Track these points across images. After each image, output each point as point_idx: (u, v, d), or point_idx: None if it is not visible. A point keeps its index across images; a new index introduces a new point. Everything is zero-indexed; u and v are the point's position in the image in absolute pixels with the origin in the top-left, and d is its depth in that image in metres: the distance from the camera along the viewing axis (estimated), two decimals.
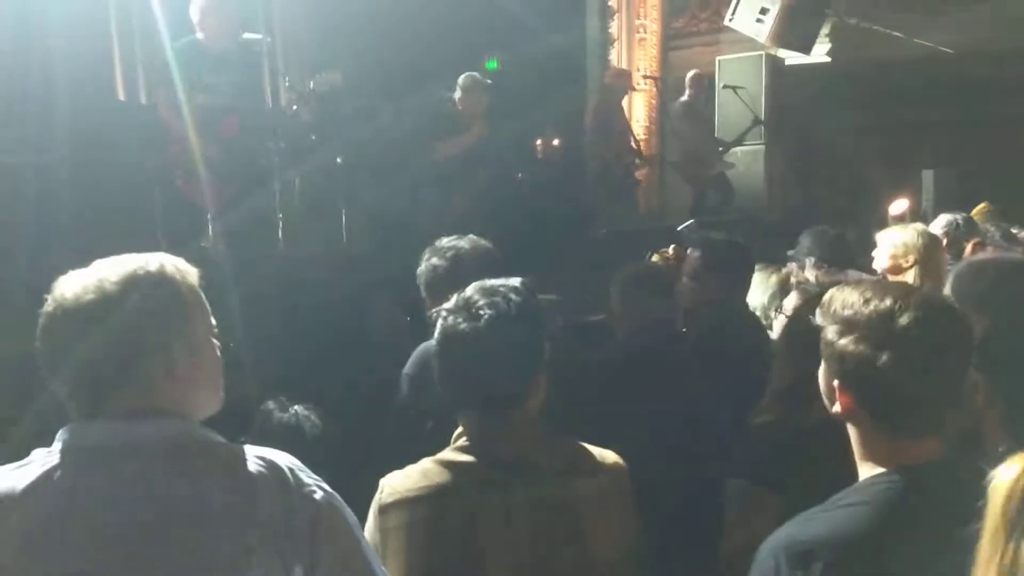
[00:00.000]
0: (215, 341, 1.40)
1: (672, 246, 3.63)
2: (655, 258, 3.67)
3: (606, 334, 3.21)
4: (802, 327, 1.73)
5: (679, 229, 4.63)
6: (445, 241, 2.45)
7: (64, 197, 4.20)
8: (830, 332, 1.40)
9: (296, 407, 2.11)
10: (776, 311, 3.01)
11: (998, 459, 1.11)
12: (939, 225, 4.28)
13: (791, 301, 2.79)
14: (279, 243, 4.43)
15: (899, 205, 6.31)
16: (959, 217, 4.23)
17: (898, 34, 8.24)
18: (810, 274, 3.39)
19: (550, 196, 6.43)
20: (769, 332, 2.97)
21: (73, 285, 1.29)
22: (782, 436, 1.89)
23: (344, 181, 5.26)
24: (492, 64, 10.66)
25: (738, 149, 8.06)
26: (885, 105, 8.86)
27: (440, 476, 1.63)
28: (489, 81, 5.54)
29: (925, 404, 1.36)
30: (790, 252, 3.89)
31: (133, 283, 1.29)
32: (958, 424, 1.51)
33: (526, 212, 5.82)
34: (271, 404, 2.09)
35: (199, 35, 4.58)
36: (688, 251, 3.56)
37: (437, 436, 1.74)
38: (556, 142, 7.76)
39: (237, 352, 2.41)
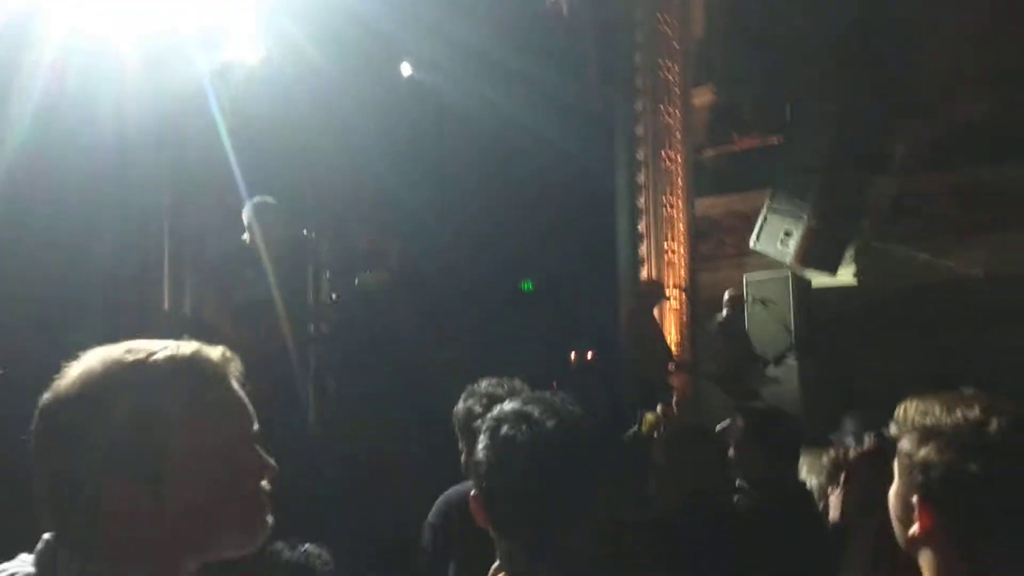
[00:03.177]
0: None
1: (660, 405, 3.53)
2: (648, 417, 3.56)
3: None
4: None
5: (718, 428, 4.51)
6: (484, 385, 2.42)
7: None
8: (907, 442, 1.29)
9: (306, 545, 2.06)
10: (833, 489, 2.85)
11: None
12: None
13: None
14: (310, 427, 4.42)
15: None
16: None
17: (925, 256, 8.40)
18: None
19: (589, 404, 6.38)
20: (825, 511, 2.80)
21: None
22: None
23: (377, 378, 5.30)
24: (527, 285, 11.12)
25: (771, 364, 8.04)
26: (917, 326, 8.85)
27: None
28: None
29: (1016, 524, 1.21)
30: (831, 437, 3.76)
31: None
32: None
33: None
34: (279, 544, 2.04)
35: (246, 236, 4.90)
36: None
37: None
38: (589, 354, 7.88)
39: None
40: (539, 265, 9.75)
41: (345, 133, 6.40)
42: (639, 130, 9.66)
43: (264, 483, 1.11)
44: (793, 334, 8.29)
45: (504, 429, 1.51)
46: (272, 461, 1.12)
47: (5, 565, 1.04)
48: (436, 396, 5.32)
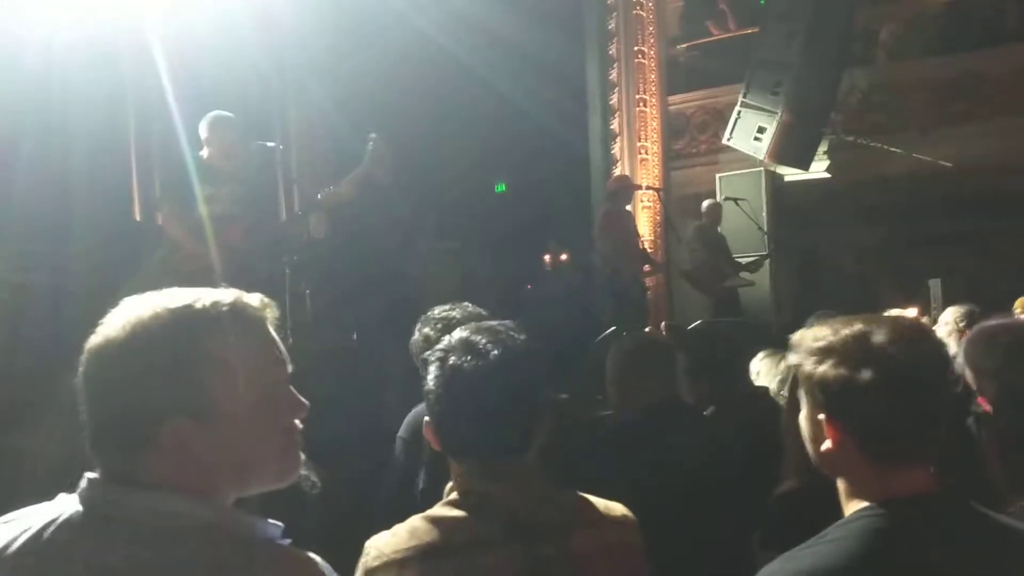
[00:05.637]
0: None
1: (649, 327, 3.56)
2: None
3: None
4: None
5: (688, 329, 4.63)
6: (437, 311, 2.47)
7: (75, 316, 4.23)
8: (807, 365, 1.35)
9: None
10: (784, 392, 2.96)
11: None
12: (954, 315, 4.30)
13: None
14: (288, 338, 4.46)
15: (907, 314, 6.31)
16: (974, 307, 4.24)
17: (896, 149, 8.43)
18: None
19: (561, 305, 6.48)
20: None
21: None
22: (808, 503, 1.83)
23: (352, 289, 5.32)
24: (500, 187, 11.05)
25: (743, 259, 8.13)
26: (887, 218, 8.99)
27: (429, 534, 1.53)
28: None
29: (909, 424, 1.31)
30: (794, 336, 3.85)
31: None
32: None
33: (536, 320, 5.85)
34: None
35: (204, 152, 4.82)
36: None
37: (429, 495, 1.67)
38: (564, 256, 7.93)
39: None
40: (513, 167, 9.68)
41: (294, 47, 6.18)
42: (611, 24, 9.46)
43: (297, 421, 1.18)
44: (765, 230, 8.38)
45: (451, 359, 1.58)
46: (304, 400, 1.19)
47: (44, 507, 1.10)
48: (412, 296, 5.40)
